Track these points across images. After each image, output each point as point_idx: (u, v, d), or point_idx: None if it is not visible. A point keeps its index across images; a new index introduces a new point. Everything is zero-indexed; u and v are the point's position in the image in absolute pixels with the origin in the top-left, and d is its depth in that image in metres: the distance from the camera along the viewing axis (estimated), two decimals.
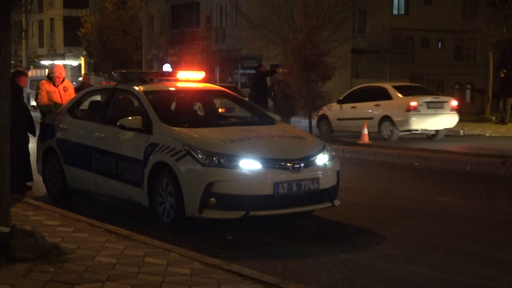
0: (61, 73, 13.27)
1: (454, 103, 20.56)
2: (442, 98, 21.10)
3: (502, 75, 24.52)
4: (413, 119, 19.56)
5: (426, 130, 20.20)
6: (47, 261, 6.31)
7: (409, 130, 19.95)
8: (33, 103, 44.60)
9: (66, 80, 13.48)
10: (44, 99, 12.92)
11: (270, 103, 20.79)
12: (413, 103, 19.55)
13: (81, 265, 6.31)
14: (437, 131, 20.39)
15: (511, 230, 8.83)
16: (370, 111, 20.39)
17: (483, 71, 38.31)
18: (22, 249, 6.35)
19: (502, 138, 20.44)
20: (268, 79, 20.94)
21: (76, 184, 10.45)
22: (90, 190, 10.26)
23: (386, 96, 20.29)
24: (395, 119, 19.71)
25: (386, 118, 19.90)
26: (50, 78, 13.21)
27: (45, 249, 6.52)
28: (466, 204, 10.75)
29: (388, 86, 20.93)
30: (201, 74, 10.74)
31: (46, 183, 11.03)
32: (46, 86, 13.07)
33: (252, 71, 30.77)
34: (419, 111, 19.59)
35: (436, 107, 20.03)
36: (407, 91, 20.63)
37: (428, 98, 20.18)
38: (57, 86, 13.07)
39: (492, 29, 28.53)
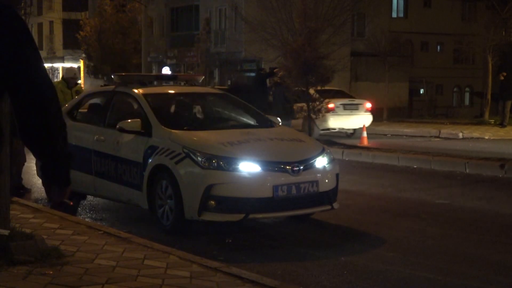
0: (75, 74, 13.55)
1: (368, 105, 23.01)
2: (357, 101, 23.47)
3: (502, 78, 24.54)
4: (331, 119, 22.08)
5: (343, 128, 22.54)
6: (46, 264, 6.31)
7: (328, 129, 22.28)
8: None
9: (78, 85, 13.72)
10: (60, 98, 13.15)
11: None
12: (331, 105, 21.86)
13: (80, 268, 6.30)
14: (354, 129, 22.72)
15: (510, 233, 8.84)
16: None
17: (482, 74, 38.33)
18: (21, 252, 6.35)
19: (501, 141, 20.46)
20: (268, 81, 21.02)
21: (75, 186, 10.41)
22: (90, 193, 10.27)
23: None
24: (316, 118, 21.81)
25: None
26: (65, 80, 13.47)
27: (45, 251, 6.52)
28: (465, 207, 10.75)
29: (311, 90, 22.58)
30: None
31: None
32: (61, 86, 13.33)
33: (252, 74, 30.78)
34: (336, 112, 22.13)
35: (352, 109, 22.62)
36: (328, 95, 22.60)
37: (344, 101, 22.74)
38: (70, 88, 13.29)
39: (491, 32, 28.52)
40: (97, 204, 10.73)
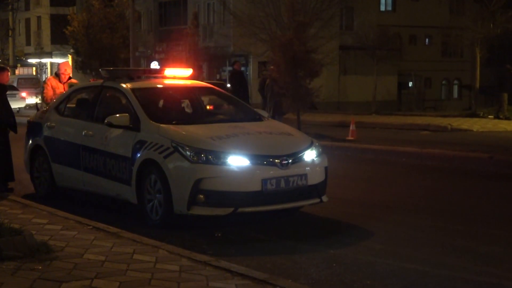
0: (66, 69, 13.60)
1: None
2: None
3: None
4: None
5: None
6: (35, 259, 6.30)
7: None
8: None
9: (72, 79, 13.74)
10: (50, 94, 13.22)
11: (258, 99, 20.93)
12: None
13: (69, 263, 6.30)
14: None
15: (499, 225, 8.87)
16: None
17: (470, 67, 38.39)
18: (10, 247, 6.33)
19: (490, 133, 20.54)
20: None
21: (64, 182, 10.42)
22: (79, 188, 10.25)
23: None
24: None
25: None
26: (57, 74, 13.57)
27: (34, 247, 6.51)
28: (454, 199, 10.79)
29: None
30: (188, 71, 10.80)
31: (34, 181, 10.99)
32: (52, 81, 13.52)
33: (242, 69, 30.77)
34: None
35: None
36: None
37: None
38: (63, 82, 13.37)
39: (479, 25, 28.55)
40: (86, 199, 10.69)
